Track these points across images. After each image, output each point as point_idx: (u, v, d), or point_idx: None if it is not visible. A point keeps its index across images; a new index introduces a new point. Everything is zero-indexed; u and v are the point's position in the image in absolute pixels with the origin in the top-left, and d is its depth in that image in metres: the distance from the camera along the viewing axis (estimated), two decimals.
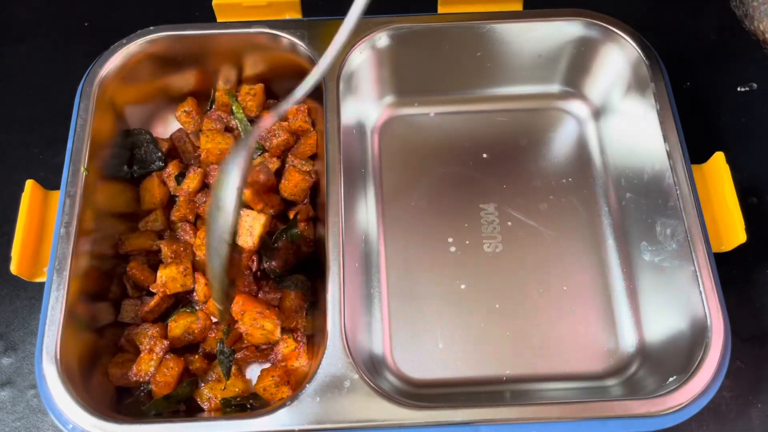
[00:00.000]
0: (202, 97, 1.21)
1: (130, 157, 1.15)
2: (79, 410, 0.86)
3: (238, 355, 1.01)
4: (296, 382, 1.00)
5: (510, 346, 1.04)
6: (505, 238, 1.12)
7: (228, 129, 1.18)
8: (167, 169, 1.13)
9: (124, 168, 1.13)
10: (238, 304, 0.98)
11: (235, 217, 0.85)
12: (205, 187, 1.13)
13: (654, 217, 1.05)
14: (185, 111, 1.17)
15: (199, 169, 1.12)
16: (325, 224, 0.99)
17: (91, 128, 1.04)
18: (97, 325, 1.00)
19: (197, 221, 1.11)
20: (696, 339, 0.92)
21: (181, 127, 1.19)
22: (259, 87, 1.18)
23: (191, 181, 1.11)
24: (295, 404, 0.88)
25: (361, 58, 1.14)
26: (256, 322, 0.98)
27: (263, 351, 1.02)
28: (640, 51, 1.10)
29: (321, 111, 1.09)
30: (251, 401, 0.99)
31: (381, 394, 0.88)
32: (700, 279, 0.93)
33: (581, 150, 1.20)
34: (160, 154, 1.14)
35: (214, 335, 1.01)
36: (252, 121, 1.18)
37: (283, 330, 1.00)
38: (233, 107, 1.17)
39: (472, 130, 1.22)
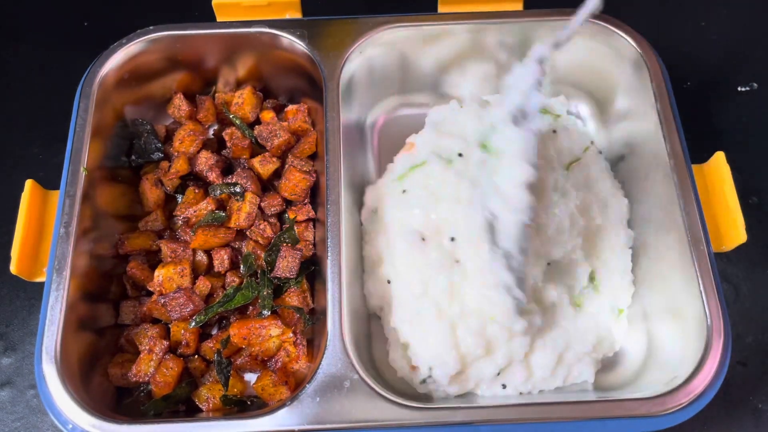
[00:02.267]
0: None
1: (129, 147, 1.15)
2: (79, 410, 0.86)
3: (238, 361, 1.01)
4: (295, 384, 1.00)
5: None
6: None
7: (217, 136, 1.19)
8: (158, 171, 1.13)
9: (122, 158, 1.13)
10: (237, 332, 0.99)
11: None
12: (191, 175, 1.14)
13: (654, 217, 1.05)
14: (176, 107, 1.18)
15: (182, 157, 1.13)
16: (324, 224, 0.99)
17: (90, 128, 1.04)
18: (97, 325, 1.00)
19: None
20: (696, 339, 0.92)
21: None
22: (247, 90, 1.18)
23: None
24: (295, 404, 0.88)
25: (361, 58, 1.14)
26: (261, 335, 0.98)
27: (264, 361, 1.02)
28: (640, 51, 1.09)
29: (321, 111, 1.09)
30: (252, 398, 0.99)
31: (380, 394, 0.88)
32: (700, 279, 0.93)
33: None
34: (159, 144, 1.15)
35: (212, 345, 1.01)
36: (252, 125, 1.18)
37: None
38: (231, 117, 1.17)
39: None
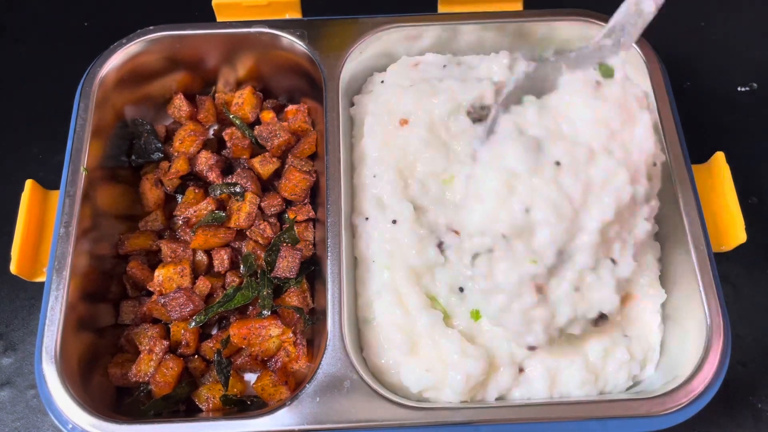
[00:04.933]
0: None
1: (129, 147, 1.15)
2: (79, 410, 0.86)
3: (237, 361, 1.01)
4: (295, 384, 1.00)
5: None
6: None
7: (217, 136, 1.19)
8: (158, 171, 1.13)
9: (122, 158, 1.13)
10: (237, 332, 0.98)
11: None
12: (191, 175, 1.14)
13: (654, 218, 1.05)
14: (176, 107, 1.18)
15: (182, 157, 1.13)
16: (324, 224, 0.99)
17: (90, 128, 1.04)
18: (97, 325, 1.00)
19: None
20: (696, 339, 0.92)
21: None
22: (247, 90, 1.18)
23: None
24: (295, 404, 0.88)
25: (361, 58, 1.14)
26: (261, 335, 0.98)
27: (263, 361, 1.02)
28: (640, 51, 1.09)
29: (321, 111, 1.09)
30: (252, 398, 0.99)
31: (380, 394, 0.88)
32: (700, 279, 0.93)
33: None
34: (159, 144, 1.15)
35: (212, 345, 1.01)
36: (252, 125, 1.18)
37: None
38: (231, 117, 1.17)
39: None
